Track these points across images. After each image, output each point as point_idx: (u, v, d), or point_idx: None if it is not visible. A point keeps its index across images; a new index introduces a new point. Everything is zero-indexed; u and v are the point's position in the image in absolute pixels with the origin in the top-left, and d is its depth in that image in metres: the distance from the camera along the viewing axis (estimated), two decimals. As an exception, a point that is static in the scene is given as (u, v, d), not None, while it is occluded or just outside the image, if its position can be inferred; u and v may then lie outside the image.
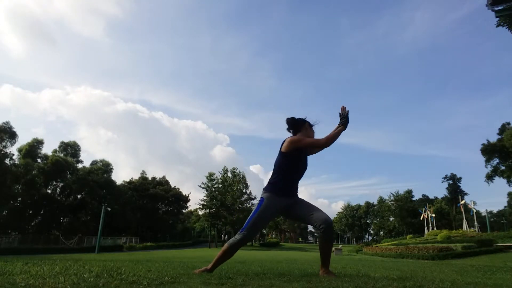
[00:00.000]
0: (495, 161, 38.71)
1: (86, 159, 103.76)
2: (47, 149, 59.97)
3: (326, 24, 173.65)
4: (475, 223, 35.86)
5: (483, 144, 38.65)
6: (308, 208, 2.47)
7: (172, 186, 57.97)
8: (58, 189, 41.98)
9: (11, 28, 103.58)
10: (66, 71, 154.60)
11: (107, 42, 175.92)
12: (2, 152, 31.92)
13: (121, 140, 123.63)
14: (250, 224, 2.40)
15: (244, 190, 45.37)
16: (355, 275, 2.61)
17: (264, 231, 71.55)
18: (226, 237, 64.19)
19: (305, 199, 2.57)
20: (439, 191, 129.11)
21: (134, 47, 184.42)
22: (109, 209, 30.05)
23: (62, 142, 44.58)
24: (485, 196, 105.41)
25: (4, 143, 32.77)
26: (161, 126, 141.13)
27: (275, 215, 2.57)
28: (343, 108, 2.63)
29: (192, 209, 62.21)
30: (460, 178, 62.74)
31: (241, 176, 46.48)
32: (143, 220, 50.67)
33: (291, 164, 2.49)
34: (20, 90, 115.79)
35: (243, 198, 44.87)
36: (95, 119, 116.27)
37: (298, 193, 2.60)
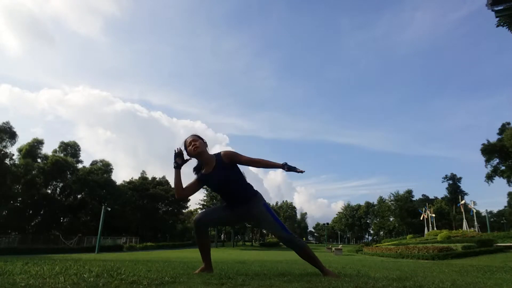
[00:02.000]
0: (495, 161, 38.73)
1: (85, 159, 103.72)
2: (47, 149, 59.94)
3: (326, 24, 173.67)
4: (475, 223, 35.87)
5: (483, 144, 38.67)
6: (262, 226, 2.48)
7: (172, 186, 57.99)
8: (58, 189, 41.99)
9: (8, 26, 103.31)
10: (64, 70, 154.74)
11: (105, 41, 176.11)
12: (2, 152, 31.93)
13: (120, 140, 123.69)
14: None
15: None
16: (355, 275, 2.61)
17: (264, 231, 71.52)
18: (225, 237, 64.20)
19: (265, 218, 2.41)
20: (439, 191, 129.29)
21: (134, 47, 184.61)
22: (109, 209, 30.02)
23: (62, 142, 44.61)
24: (485, 196, 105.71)
25: (4, 143, 32.80)
26: (160, 126, 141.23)
27: (228, 217, 2.52)
28: (301, 171, 2.35)
29: (192, 209, 62.28)
30: (460, 178, 62.86)
31: (241, 176, 46.42)
32: (143, 220, 50.67)
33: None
34: (18, 90, 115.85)
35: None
36: (93, 119, 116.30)
37: (247, 203, 2.44)
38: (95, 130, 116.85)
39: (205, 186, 2.60)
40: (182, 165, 2.45)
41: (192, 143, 2.45)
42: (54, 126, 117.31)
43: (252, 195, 2.47)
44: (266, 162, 2.43)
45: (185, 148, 2.50)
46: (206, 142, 2.53)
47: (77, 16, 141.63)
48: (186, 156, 2.48)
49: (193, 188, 2.50)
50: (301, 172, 2.35)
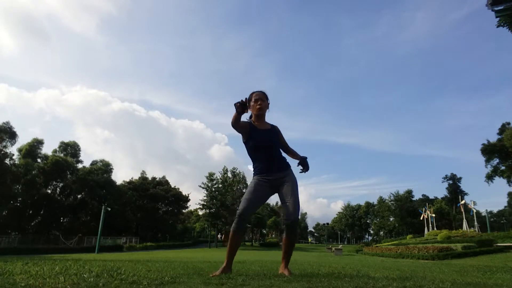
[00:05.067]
0: (495, 161, 38.74)
1: (83, 159, 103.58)
2: (47, 149, 59.98)
3: (326, 24, 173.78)
4: (475, 223, 35.81)
5: (483, 144, 38.67)
6: (286, 194, 2.44)
7: (172, 186, 57.98)
8: (58, 189, 41.94)
9: (3, 24, 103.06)
10: (62, 69, 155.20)
11: (102, 40, 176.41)
12: (2, 152, 31.91)
13: (119, 140, 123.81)
14: (241, 202, 2.50)
15: (244, 190, 45.33)
16: (355, 275, 2.60)
17: (264, 231, 71.45)
18: (225, 237, 64.15)
19: (294, 189, 2.49)
20: (439, 191, 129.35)
21: (133, 47, 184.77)
22: (109, 209, 30.00)
23: (62, 142, 44.54)
24: (485, 196, 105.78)
25: (4, 143, 32.79)
26: (159, 126, 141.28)
27: (264, 192, 2.54)
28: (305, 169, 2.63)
29: (192, 209, 62.21)
30: (460, 178, 62.89)
31: (241, 176, 46.41)
32: (143, 220, 50.64)
33: (249, 146, 2.57)
34: (15, 90, 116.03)
35: (243, 198, 44.89)
36: (91, 118, 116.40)
37: (285, 170, 2.56)
38: (92, 130, 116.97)
39: None
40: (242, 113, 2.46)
41: (259, 102, 2.56)
42: (52, 126, 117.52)
43: (289, 164, 2.64)
44: (294, 152, 2.73)
45: (248, 100, 2.53)
46: (269, 104, 2.67)
47: (72, 14, 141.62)
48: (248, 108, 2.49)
49: (243, 127, 2.59)
50: (304, 170, 2.62)
